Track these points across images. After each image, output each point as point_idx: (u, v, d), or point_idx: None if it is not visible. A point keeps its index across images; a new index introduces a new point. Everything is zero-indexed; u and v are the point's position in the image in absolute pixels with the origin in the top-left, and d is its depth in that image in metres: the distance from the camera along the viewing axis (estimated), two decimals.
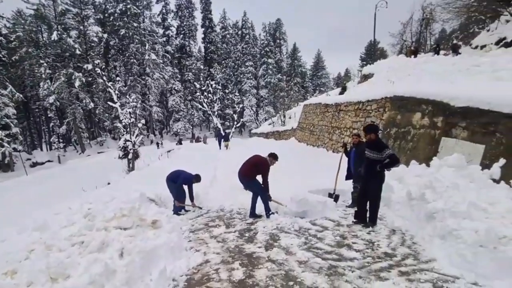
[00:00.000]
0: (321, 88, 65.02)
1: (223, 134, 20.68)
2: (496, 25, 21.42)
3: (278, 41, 68.86)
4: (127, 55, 43.82)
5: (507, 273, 2.69)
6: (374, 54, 41.69)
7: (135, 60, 44.01)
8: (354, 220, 5.00)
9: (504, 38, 18.50)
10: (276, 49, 67.72)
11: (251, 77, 61.10)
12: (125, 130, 19.03)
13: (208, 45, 59.54)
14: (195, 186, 6.52)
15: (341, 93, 20.84)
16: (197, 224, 5.40)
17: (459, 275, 2.98)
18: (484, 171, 4.83)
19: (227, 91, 56.41)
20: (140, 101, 41.89)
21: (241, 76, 60.26)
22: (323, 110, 14.60)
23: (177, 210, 6.29)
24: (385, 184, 6.05)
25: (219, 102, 36.68)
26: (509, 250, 2.74)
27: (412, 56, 22.14)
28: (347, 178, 6.08)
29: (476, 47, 20.32)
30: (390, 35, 34.66)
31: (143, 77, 45.21)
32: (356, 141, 5.93)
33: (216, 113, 34.07)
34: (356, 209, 5.03)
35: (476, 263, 2.94)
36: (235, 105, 39.19)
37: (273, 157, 5.61)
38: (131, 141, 18.58)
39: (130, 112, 18.83)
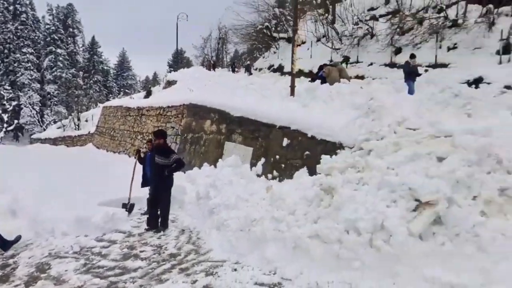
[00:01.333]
0: (127, 90, 60.94)
1: None
2: (268, 54, 27.83)
3: (71, 29, 58.43)
4: None
5: (256, 247, 3.47)
6: (181, 62, 43.72)
7: None
8: (147, 227, 4.93)
9: (273, 65, 24.39)
10: (69, 39, 57.30)
11: (32, 67, 48.44)
12: None
13: None
14: None
15: (146, 97, 20.42)
16: None
17: (227, 258, 3.56)
18: (253, 168, 6.07)
19: None
20: None
21: (15, 65, 46.61)
22: (125, 114, 13.72)
23: None
24: (179, 186, 6.35)
25: None
26: (257, 230, 3.55)
27: (212, 69, 25.05)
28: (143, 185, 5.93)
29: (256, 69, 25.57)
30: (193, 47, 37.34)
31: None
32: (151, 147, 5.89)
33: None
34: (148, 216, 4.99)
35: (238, 245, 3.62)
36: (5, 102, 29.79)
37: None
38: None
39: None
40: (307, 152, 5.23)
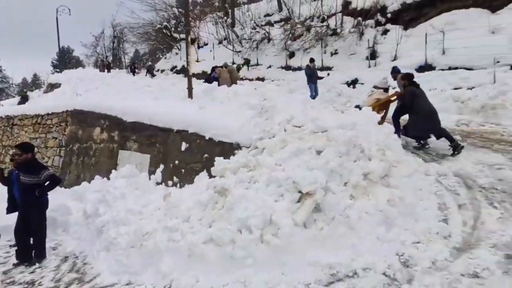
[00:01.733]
0: None
1: None
2: (170, 55, 26.76)
3: None
4: None
5: (150, 263, 3.22)
6: (68, 62, 38.09)
7: None
8: (16, 262, 4.06)
9: (175, 66, 23.58)
10: None
11: None
12: None
13: None
14: None
15: (21, 103, 17.09)
16: None
17: (117, 281, 3.20)
18: (151, 177, 5.66)
19: None
20: None
21: None
22: None
23: None
24: (62, 206, 5.46)
25: None
26: (150, 243, 3.30)
27: (106, 70, 22.58)
28: (11, 210, 4.85)
29: (158, 70, 24.27)
30: (83, 45, 33.15)
31: None
32: (15, 164, 4.86)
33: None
34: (16, 247, 4.11)
35: (129, 264, 3.29)
36: None
37: None
38: None
39: None
40: (206, 155, 5.16)
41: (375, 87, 11.10)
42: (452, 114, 8.49)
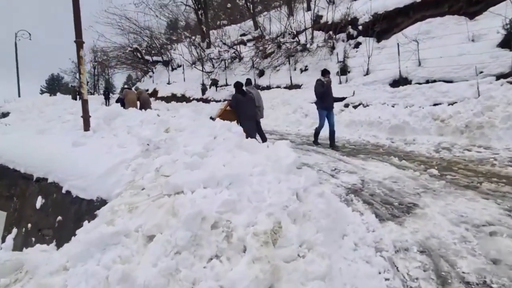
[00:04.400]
0: None
1: None
2: (145, 79, 25.64)
3: None
4: None
5: None
6: (58, 88, 37.33)
7: None
8: None
9: (147, 90, 22.27)
10: None
11: None
12: None
13: None
14: None
15: None
16: None
17: None
18: (3, 245, 3.94)
19: None
20: None
21: None
22: None
23: None
24: None
25: None
26: None
27: (78, 97, 21.21)
28: None
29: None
30: (62, 71, 32.14)
31: None
32: None
33: None
34: None
35: None
36: None
37: None
38: None
39: None
40: (59, 218, 3.48)
41: (225, 100, 10.78)
42: (432, 135, 6.95)
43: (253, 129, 6.10)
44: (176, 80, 20.49)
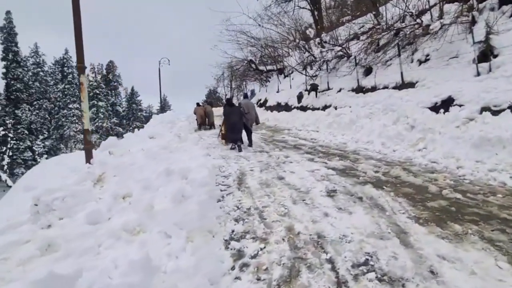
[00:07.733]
0: None
1: None
2: (260, 89, 26.14)
3: (113, 83, 64.78)
4: None
5: None
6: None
7: None
8: None
9: (260, 100, 22.56)
10: (113, 91, 63.53)
11: (77, 121, 53.73)
12: None
13: (12, 82, 49.10)
14: None
15: None
16: None
17: None
18: None
19: (41, 137, 47.73)
20: None
21: (63, 119, 52.27)
22: None
23: None
24: None
25: (10, 153, 29.48)
26: None
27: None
28: None
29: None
30: (207, 87, 37.79)
31: None
32: None
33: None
34: None
35: None
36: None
37: None
38: None
39: None
40: None
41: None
42: None
43: (233, 133, 8.04)
44: (284, 88, 19.81)
